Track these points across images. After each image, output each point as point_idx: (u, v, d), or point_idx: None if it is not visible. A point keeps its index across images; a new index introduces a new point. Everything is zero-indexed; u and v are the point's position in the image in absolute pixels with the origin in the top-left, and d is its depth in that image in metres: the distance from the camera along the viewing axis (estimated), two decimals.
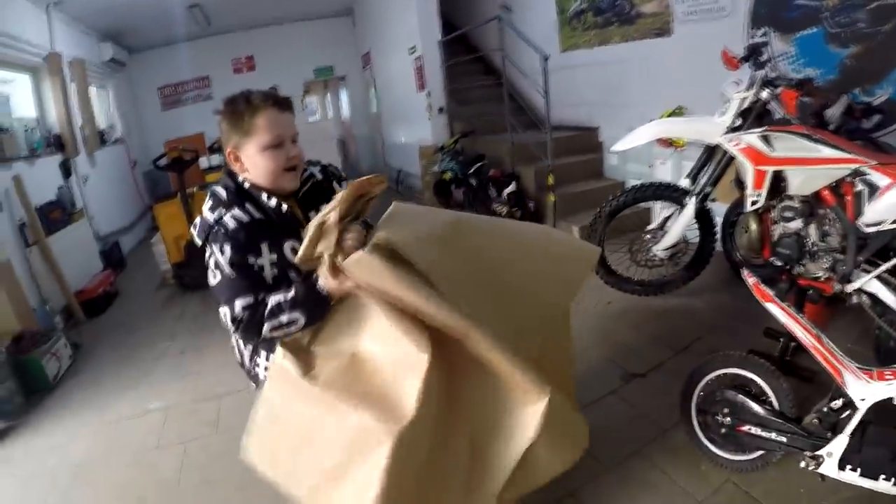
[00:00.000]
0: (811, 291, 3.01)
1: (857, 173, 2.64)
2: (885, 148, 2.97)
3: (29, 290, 4.90)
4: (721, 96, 3.29)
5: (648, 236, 3.89)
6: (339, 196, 1.54)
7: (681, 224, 3.65)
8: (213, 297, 1.67)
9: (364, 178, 1.60)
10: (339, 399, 1.50)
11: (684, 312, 3.83)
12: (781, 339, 2.88)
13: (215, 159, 8.74)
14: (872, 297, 2.73)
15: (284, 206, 1.72)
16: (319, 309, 1.63)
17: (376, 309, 1.55)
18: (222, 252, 1.61)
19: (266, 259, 1.67)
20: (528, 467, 1.64)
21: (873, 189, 2.59)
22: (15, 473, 3.20)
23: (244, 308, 1.60)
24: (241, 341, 1.87)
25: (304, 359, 1.62)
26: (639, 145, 3.69)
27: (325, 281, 1.58)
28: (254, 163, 1.69)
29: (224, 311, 1.62)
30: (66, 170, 6.57)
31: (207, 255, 1.65)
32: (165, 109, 11.06)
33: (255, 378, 1.89)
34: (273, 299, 1.60)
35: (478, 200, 6.34)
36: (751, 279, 2.19)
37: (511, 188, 5.83)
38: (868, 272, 2.69)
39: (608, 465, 2.49)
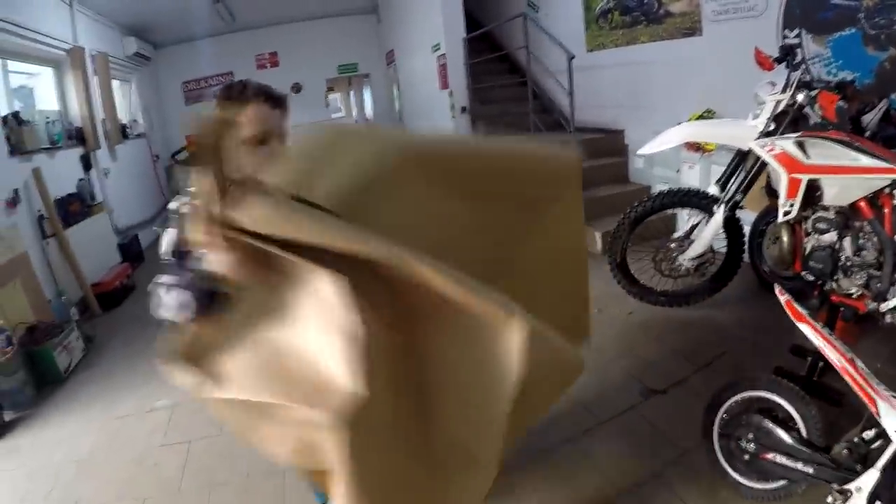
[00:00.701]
0: (843, 308, 2.86)
1: None
2: None
3: (45, 282, 4.90)
4: (754, 98, 3.17)
5: (674, 245, 3.75)
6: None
7: (709, 233, 3.51)
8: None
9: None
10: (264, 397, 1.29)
11: (708, 325, 3.71)
12: (809, 359, 2.74)
13: None
14: None
15: None
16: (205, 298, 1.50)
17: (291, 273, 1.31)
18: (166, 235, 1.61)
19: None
20: (521, 410, 1.40)
21: None
22: (22, 465, 3.20)
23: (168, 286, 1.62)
24: None
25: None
26: (667, 149, 3.55)
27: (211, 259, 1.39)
28: (237, 157, 1.56)
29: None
30: (87, 163, 6.57)
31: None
32: (189, 104, 11.08)
33: None
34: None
35: None
36: (783, 297, 2.06)
37: None
38: None
39: (624, 486, 2.40)
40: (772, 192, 3.38)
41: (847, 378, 1.77)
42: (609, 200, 5.76)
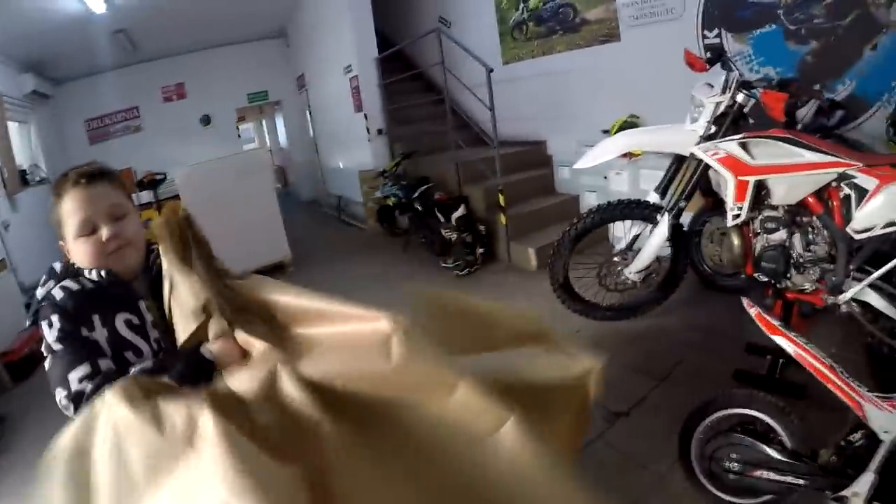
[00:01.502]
0: (801, 305, 2.88)
1: (842, 177, 2.48)
2: (858, 146, 2.84)
3: None
4: (691, 100, 3.10)
5: (617, 258, 3.66)
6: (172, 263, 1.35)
7: (654, 244, 3.42)
8: (50, 389, 1.32)
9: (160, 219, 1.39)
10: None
11: (659, 334, 3.64)
12: (769, 357, 2.76)
13: (145, 196, 8.33)
14: (864, 304, 2.58)
15: (109, 277, 1.46)
16: (199, 377, 1.26)
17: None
18: (50, 326, 1.33)
19: (100, 334, 1.38)
20: None
21: (861, 193, 2.43)
22: None
23: (82, 379, 1.28)
24: None
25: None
26: (605, 161, 3.45)
27: (217, 347, 1.31)
28: (74, 253, 1.47)
29: (59, 396, 1.29)
30: None
31: (41, 340, 1.36)
32: (93, 143, 10.46)
33: None
34: (135, 369, 1.31)
35: (425, 226, 6.08)
36: (752, 309, 1.99)
37: (460, 212, 5.55)
38: (859, 280, 2.54)
39: None
40: (707, 193, 3.36)
41: (829, 385, 1.74)
42: (538, 214, 5.75)
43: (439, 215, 5.73)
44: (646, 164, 4.61)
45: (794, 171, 2.56)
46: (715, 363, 3.09)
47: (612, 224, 3.97)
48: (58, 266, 1.49)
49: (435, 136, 7.22)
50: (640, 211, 3.47)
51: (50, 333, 1.33)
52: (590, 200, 5.52)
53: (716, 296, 3.90)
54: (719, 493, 2.12)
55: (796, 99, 2.87)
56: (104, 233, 1.42)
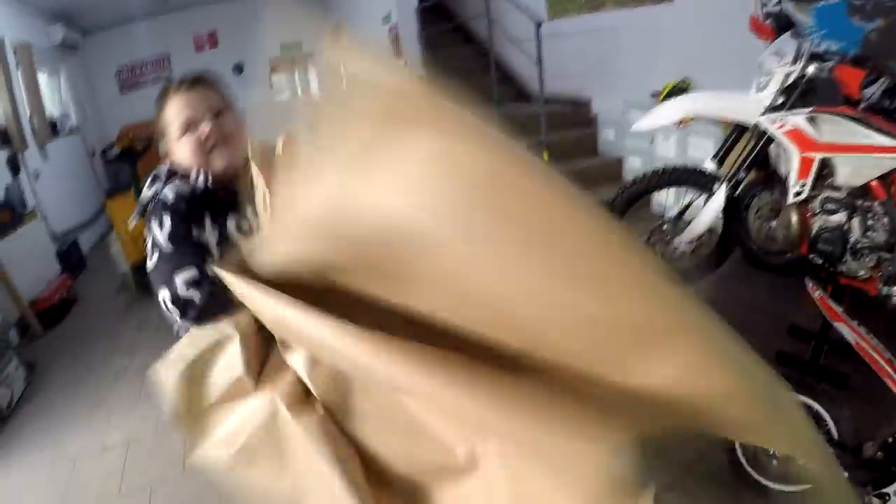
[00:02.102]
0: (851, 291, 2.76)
1: None
2: None
3: None
4: (759, 68, 2.92)
5: (667, 226, 3.51)
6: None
7: (709, 214, 3.26)
8: (152, 286, 1.32)
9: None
10: None
11: None
12: (813, 342, 2.61)
13: None
14: None
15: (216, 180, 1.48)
16: None
17: None
18: (161, 226, 1.35)
19: (210, 236, 1.42)
20: None
21: None
22: None
23: (188, 283, 1.27)
24: None
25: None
26: (665, 125, 3.30)
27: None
28: (177, 153, 1.49)
29: (163, 296, 1.28)
30: (14, 166, 6.06)
31: (146, 237, 1.38)
32: (124, 93, 10.42)
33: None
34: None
35: None
36: (816, 292, 1.92)
37: None
38: None
39: None
40: (759, 165, 3.20)
41: (886, 379, 1.71)
42: (580, 175, 5.55)
43: None
44: (695, 130, 4.43)
45: (861, 151, 2.43)
46: (757, 342, 2.91)
47: (654, 195, 3.81)
48: (163, 169, 1.51)
49: (475, 90, 7.02)
50: (697, 179, 3.33)
51: (161, 232, 1.34)
52: (634, 164, 5.36)
53: (759, 273, 3.77)
54: (758, 477, 2.08)
55: (871, 77, 2.69)
56: (203, 128, 1.44)
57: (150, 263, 1.34)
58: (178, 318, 1.28)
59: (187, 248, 1.34)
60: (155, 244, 1.34)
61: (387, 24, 7.65)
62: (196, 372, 1.08)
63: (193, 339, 1.13)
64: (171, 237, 1.34)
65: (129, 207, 5.24)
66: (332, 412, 0.97)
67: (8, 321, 4.67)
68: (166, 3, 9.50)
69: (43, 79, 7.84)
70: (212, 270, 1.17)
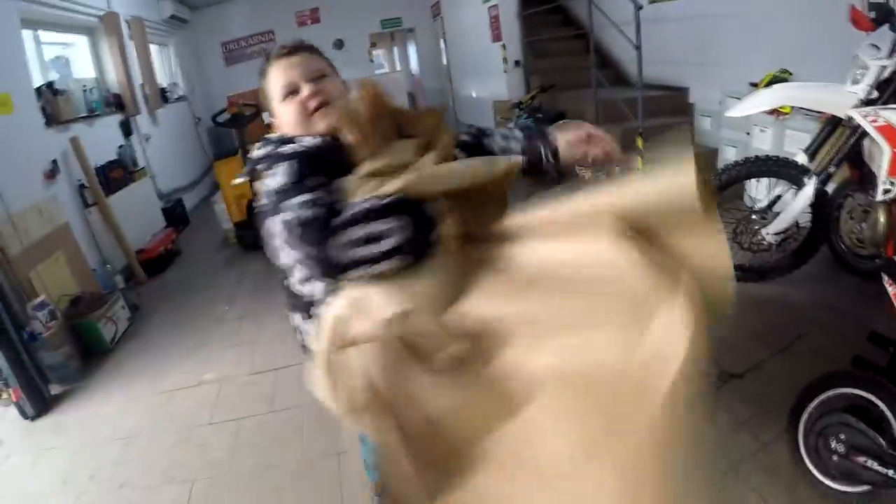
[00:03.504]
0: None
1: None
2: None
3: (89, 252, 4.86)
4: (854, 61, 2.82)
5: (756, 216, 3.45)
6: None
7: (798, 207, 3.18)
8: (263, 232, 1.20)
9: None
10: None
11: (783, 305, 3.44)
12: (892, 349, 2.51)
13: None
14: None
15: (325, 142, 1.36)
16: (425, 233, 1.08)
17: None
18: (275, 175, 1.21)
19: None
20: None
21: None
22: (67, 443, 3.13)
23: (303, 204, 1.11)
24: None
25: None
26: (757, 112, 3.24)
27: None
28: (280, 118, 1.45)
29: (275, 222, 1.13)
30: (127, 129, 6.47)
31: (260, 192, 1.27)
32: (229, 65, 10.93)
33: (295, 331, 1.52)
34: (353, 204, 1.09)
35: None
36: (892, 288, 1.88)
37: None
38: None
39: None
40: (855, 163, 3.10)
41: None
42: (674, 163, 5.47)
43: None
44: (792, 124, 4.28)
45: None
46: (836, 345, 2.91)
47: (749, 182, 3.73)
48: (273, 136, 1.43)
49: (573, 71, 7.02)
50: (787, 171, 3.24)
51: (275, 180, 1.20)
52: (729, 155, 5.22)
53: (847, 276, 3.64)
54: (817, 472, 2.04)
55: None
56: (305, 91, 1.42)
57: (260, 206, 1.22)
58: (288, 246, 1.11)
59: (308, 182, 1.17)
60: (267, 193, 1.21)
61: (487, 4, 7.67)
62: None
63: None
64: (285, 188, 1.18)
65: (236, 169, 5.57)
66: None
67: (114, 267, 5.02)
68: None
69: (154, 50, 8.30)
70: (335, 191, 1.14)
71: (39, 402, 3.47)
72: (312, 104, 1.40)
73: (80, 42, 6.42)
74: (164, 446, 2.95)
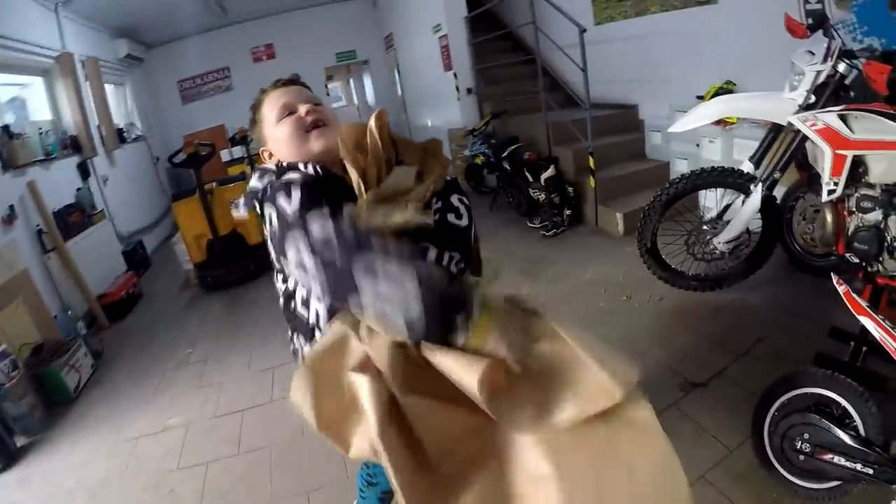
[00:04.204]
0: (891, 291, 2.68)
1: None
2: None
3: (49, 298, 4.78)
4: (791, 68, 2.93)
5: (707, 227, 3.54)
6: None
7: (746, 214, 3.28)
8: (275, 256, 1.27)
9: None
10: None
11: (742, 310, 3.53)
12: (852, 343, 2.56)
13: (237, 151, 8.58)
14: None
15: (325, 170, 1.38)
16: (448, 306, 1.07)
17: None
18: (289, 197, 1.20)
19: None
20: None
21: None
22: (34, 495, 3.09)
23: (327, 223, 1.11)
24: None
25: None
26: (699, 126, 3.33)
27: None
28: (275, 140, 1.47)
29: (295, 239, 1.15)
30: (84, 171, 6.42)
31: (264, 220, 1.28)
32: (186, 103, 10.91)
33: (294, 353, 1.52)
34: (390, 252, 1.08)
35: (513, 186, 6.05)
36: (841, 287, 1.89)
37: (550, 172, 5.49)
38: None
39: None
40: (803, 167, 3.20)
41: None
42: (628, 179, 5.61)
43: (528, 175, 5.70)
44: (740, 133, 4.43)
45: (894, 148, 2.40)
46: (796, 344, 3.01)
47: (702, 193, 3.83)
48: (271, 166, 1.42)
49: (524, 96, 7.18)
50: (734, 179, 3.34)
51: (289, 203, 1.19)
52: (681, 167, 5.35)
53: (803, 276, 3.74)
54: (785, 473, 2.08)
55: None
56: (301, 109, 1.44)
57: (270, 231, 1.24)
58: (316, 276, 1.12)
59: (323, 208, 1.16)
60: (281, 215, 1.20)
61: (437, 34, 7.79)
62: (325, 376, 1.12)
63: (315, 349, 1.15)
64: (304, 204, 1.17)
65: (194, 211, 5.53)
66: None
67: (76, 313, 4.95)
68: (225, 17, 9.86)
69: (110, 90, 8.26)
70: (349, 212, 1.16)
71: (5, 455, 3.41)
72: (309, 119, 1.43)
73: (36, 83, 6.35)
74: (131, 495, 2.91)
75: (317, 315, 1.34)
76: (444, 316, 1.04)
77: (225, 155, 7.30)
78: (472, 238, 1.45)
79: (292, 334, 1.47)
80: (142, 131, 9.34)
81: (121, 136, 8.15)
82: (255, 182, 1.39)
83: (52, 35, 6.43)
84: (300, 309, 1.38)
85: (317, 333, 1.34)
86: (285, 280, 1.40)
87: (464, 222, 1.41)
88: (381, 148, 1.29)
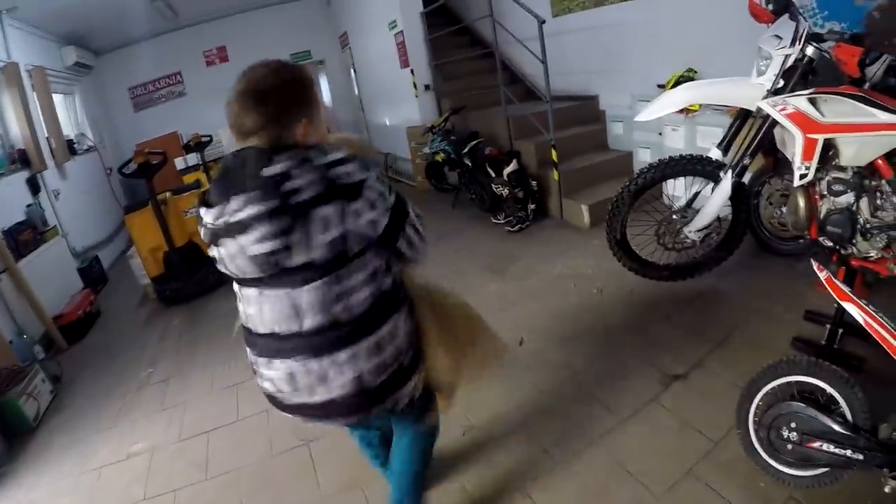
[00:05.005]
0: (865, 273, 2.76)
1: None
2: None
3: (3, 322, 4.58)
4: (758, 52, 2.90)
5: (677, 216, 3.49)
6: None
7: (717, 202, 3.24)
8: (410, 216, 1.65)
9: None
10: None
11: (715, 297, 3.52)
12: (828, 326, 2.62)
13: (192, 159, 8.38)
14: None
15: None
16: None
17: None
18: (376, 178, 1.52)
19: None
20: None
21: None
22: None
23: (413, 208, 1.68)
24: None
25: None
26: (666, 114, 3.27)
27: None
28: (317, 130, 1.58)
29: (409, 215, 1.64)
30: (35, 186, 6.18)
31: (370, 198, 1.48)
32: (138, 111, 10.66)
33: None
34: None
35: (475, 182, 5.98)
36: (823, 273, 1.86)
37: (512, 167, 5.43)
38: None
39: (658, 493, 2.21)
40: (769, 151, 3.19)
41: None
42: (591, 170, 5.59)
43: (490, 171, 5.64)
44: (703, 120, 4.42)
45: (864, 130, 2.39)
46: (772, 329, 3.01)
47: (668, 181, 3.80)
48: (312, 152, 1.51)
49: (483, 90, 7.14)
50: (703, 167, 3.30)
51: (380, 184, 1.52)
52: (644, 157, 5.36)
53: (772, 259, 3.75)
54: (773, 463, 2.06)
55: (865, 55, 2.65)
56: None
57: (390, 203, 1.55)
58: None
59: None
60: (380, 194, 1.50)
61: (393, 31, 7.69)
62: None
63: None
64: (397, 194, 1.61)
65: (148, 223, 5.34)
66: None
67: (32, 337, 4.75)
68: (176, 20, 9.64)
69: (58, 100, 8.01)
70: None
71: None
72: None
73: None
74: None
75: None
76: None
77: (180, 163, 7.11)
78: None
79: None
80: (93, 142, 9.04)
81: (71, 148, 7.89)
82: (343, 168, 1.45)
83: None
84: (382, 276, 1.60)
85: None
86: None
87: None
88: None
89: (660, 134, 4.96)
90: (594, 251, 4.45)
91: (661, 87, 4.82)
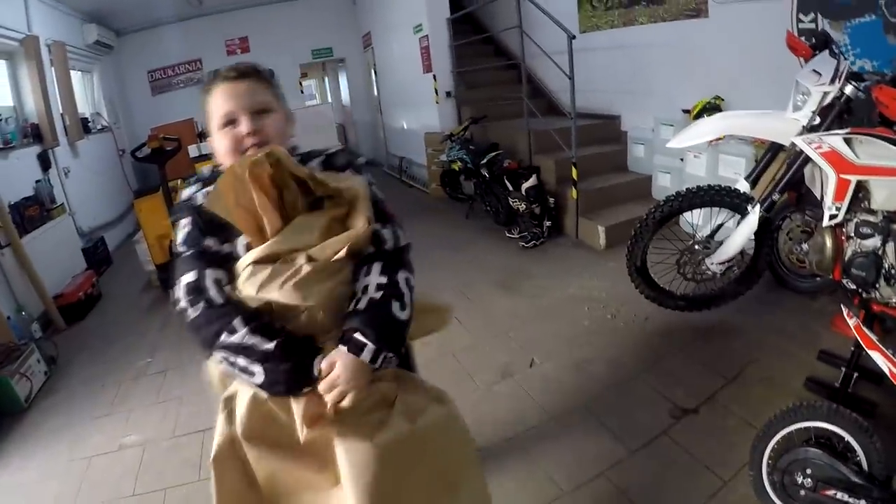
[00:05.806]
0: (886, 318, 2.69)
1: None
2: None
3: (2, 298, 4.54)
4: (795, 87, 2.86)
5: (699, 247, 3.44)
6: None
7: (742, 235, 3.19)
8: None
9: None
10: None
11: (730, 331, 3.46)
12: (843, 369, 2.54)
13: (206, 147, 8.31)
14: None
15: None
16: (290, 384, 1.29)
17: None
18: (180, 228, 1.38)
19: (228, 248, 1.39)
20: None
21: None
22: None
23: (189, 289, 1.32)
24: None
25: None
26: (700, 143, 3.23)
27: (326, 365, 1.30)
28: (215, 146, 1.46)
29: (176, 295, 1.34)
30: (45, 162, 6.16)
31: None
32: (156, 94, 10.58)
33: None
34: (240, 334, 1.27)
35: (491, 194, 5.94)
36: (852, 320, 1.83)
37: (531, 182, 5.37)
38: None
39: None
40: (791, 186, 3.13)
41: None
42: (609, 191, 5.54)
43: (508, 184, 5.59)
44: (726, 149, 4.36)
45: None
46: (786, 367, 2.96)
47: (683, 215, 3.74)
48: (207, 171, 1.51)
49: (505, 102, 7.09)
50: (731, 199, 3.24)
51: (179, 235, 1.37)
52: (663, 182, 5.31)
53: (789, 296, 3.71)
54: None
55: None
56: (243, 127, 1.39)
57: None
58: (186, 317, 1.33)
59: (195, 252, 1.35)
60: (177, 248, 1.37)
61: (417, 35, 7.66)
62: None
63: None
64: (184, 241, 1.36)
65: (157, 208, 5.27)
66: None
67: (30, 315, 4.70)
68: (200, 7, 9.63)
69: (76, 77, 7.98)
70: (212, 277, 1.32)
71: None
72: (248, 143, 1.39)
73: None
74: None
75: None
76: (288, 391, 1.30)
77: (193, 150, 7.04)
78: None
79: None
80: (108, 122, 9.01)
81: (85, 126, 7.87)
82: (185, 190, 1.47)
83: (17, 17, 6.17)
84: None
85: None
86: None
87: (405, 315, 1.37)
88: (262, 198, 1.29)
89: (681, 160, 4.91)
90: (609, 274, 4.40)
91: (686, 112, 4.77)
